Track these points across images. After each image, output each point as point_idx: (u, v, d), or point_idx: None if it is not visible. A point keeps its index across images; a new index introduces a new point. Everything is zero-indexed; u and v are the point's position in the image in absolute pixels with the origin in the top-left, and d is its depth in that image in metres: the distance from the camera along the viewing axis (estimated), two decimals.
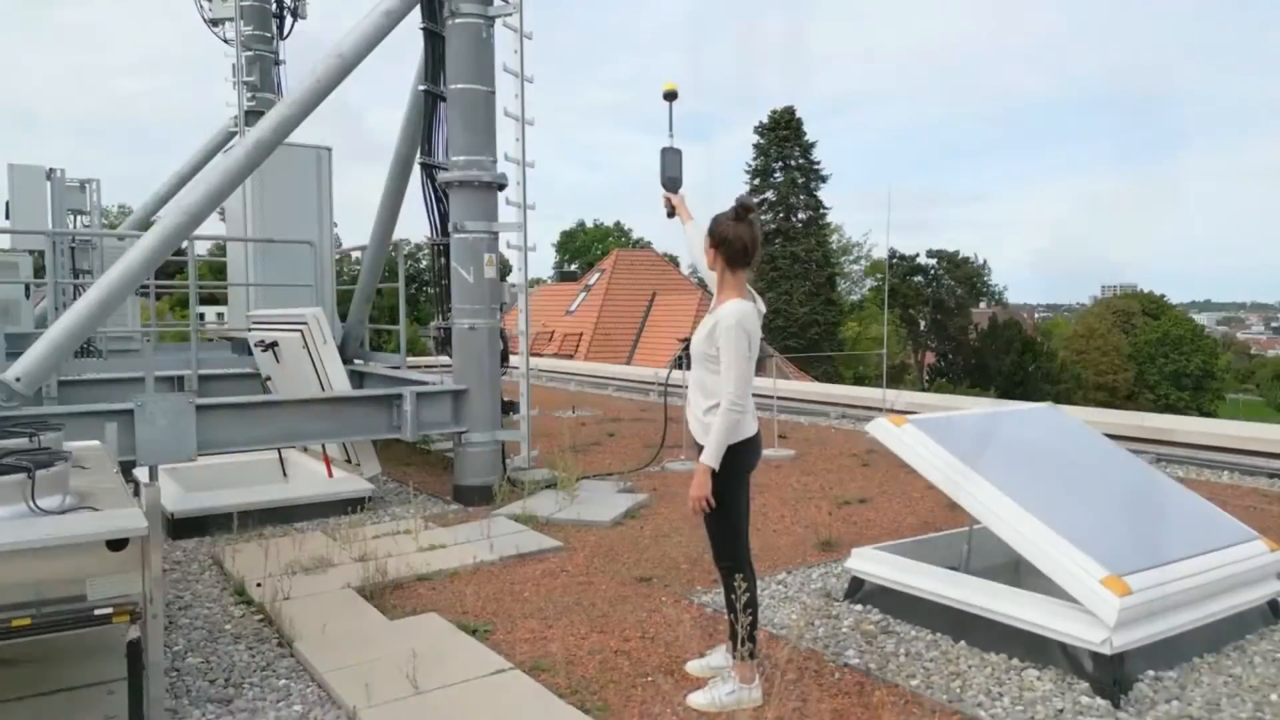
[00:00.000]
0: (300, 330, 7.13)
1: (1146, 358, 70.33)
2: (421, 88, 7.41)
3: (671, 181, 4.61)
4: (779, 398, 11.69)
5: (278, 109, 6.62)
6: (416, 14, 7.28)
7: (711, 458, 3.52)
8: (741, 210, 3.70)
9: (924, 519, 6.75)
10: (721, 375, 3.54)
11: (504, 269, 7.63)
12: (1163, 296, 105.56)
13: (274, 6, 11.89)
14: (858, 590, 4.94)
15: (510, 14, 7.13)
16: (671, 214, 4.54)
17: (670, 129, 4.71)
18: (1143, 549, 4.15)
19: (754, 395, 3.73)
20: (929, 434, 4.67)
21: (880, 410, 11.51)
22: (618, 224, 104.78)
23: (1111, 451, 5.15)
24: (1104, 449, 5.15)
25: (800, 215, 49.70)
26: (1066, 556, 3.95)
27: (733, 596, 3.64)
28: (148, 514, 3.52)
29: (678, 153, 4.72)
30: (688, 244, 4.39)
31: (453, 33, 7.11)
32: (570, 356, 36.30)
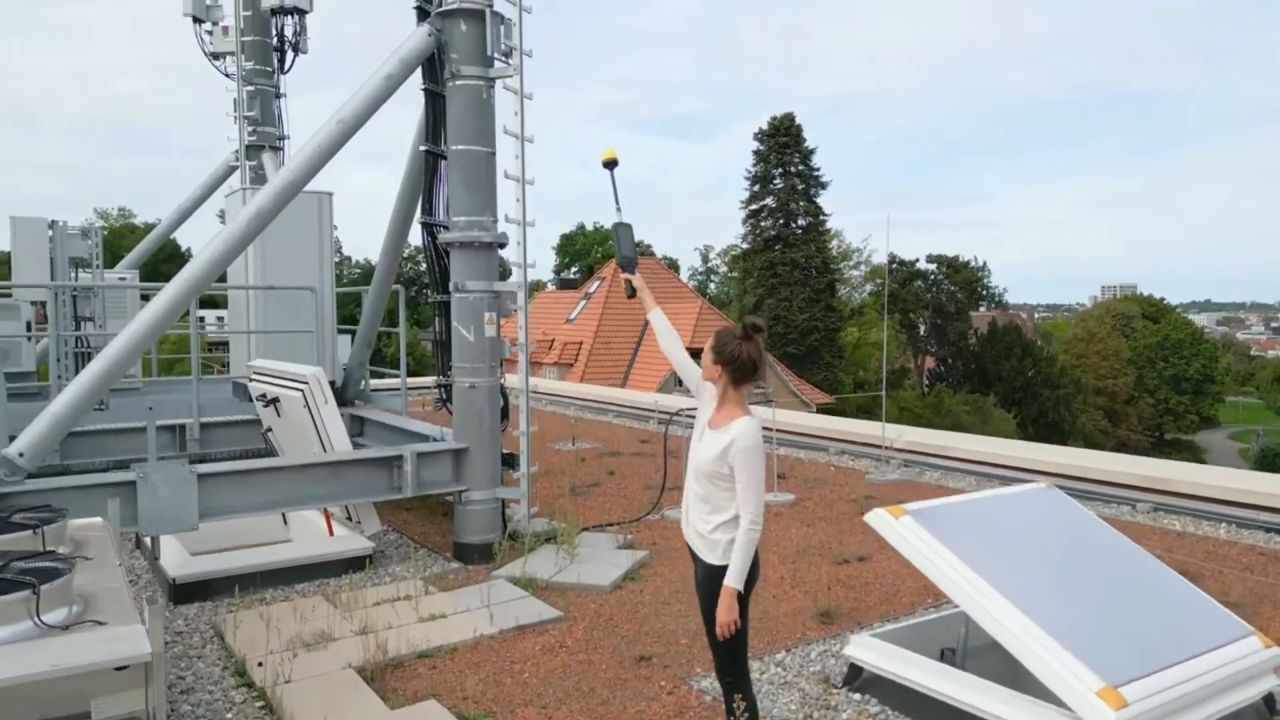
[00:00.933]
0: (301, 390, 7.16)
1: (1146, 361, 70.42)
2: (423, 148, 7.43)
3: (627, 261, 4.41)
4: (778, 430, 11.73)
5: (279, 177, 6.65)
6: (417, 75, 7.31)
7: (737, 579, 3.57)
8: (750, 329, 3.74)
9: (923, 580, 6.78)
10: (740, 495, 3.58)
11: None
12: (1162, 300, 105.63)
13: (275, 41, 11.91)
14: (856, 677, 4.98)
15: (510, 76, 7.15)
16: (632, 294, 4.43)
17: (616, 200, 4.50)
18: (1138, 653, 4.18)
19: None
20: (926, 527, 4.70)
21: (879, 447, 11.54)
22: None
23: (1107, 539, 5.18)
24: (1099, 537, 5.18)
25: (800, 221, 49.73)
26: (1063, 665, 3.98)
27: (732, 718, 3.67)
28: (151, 634, 3.55)
29: (628, 228, 4.50)
30: (655, 332, 4.36)
31: (454, 94, 7.14)
32: (570, 365, 36.36)
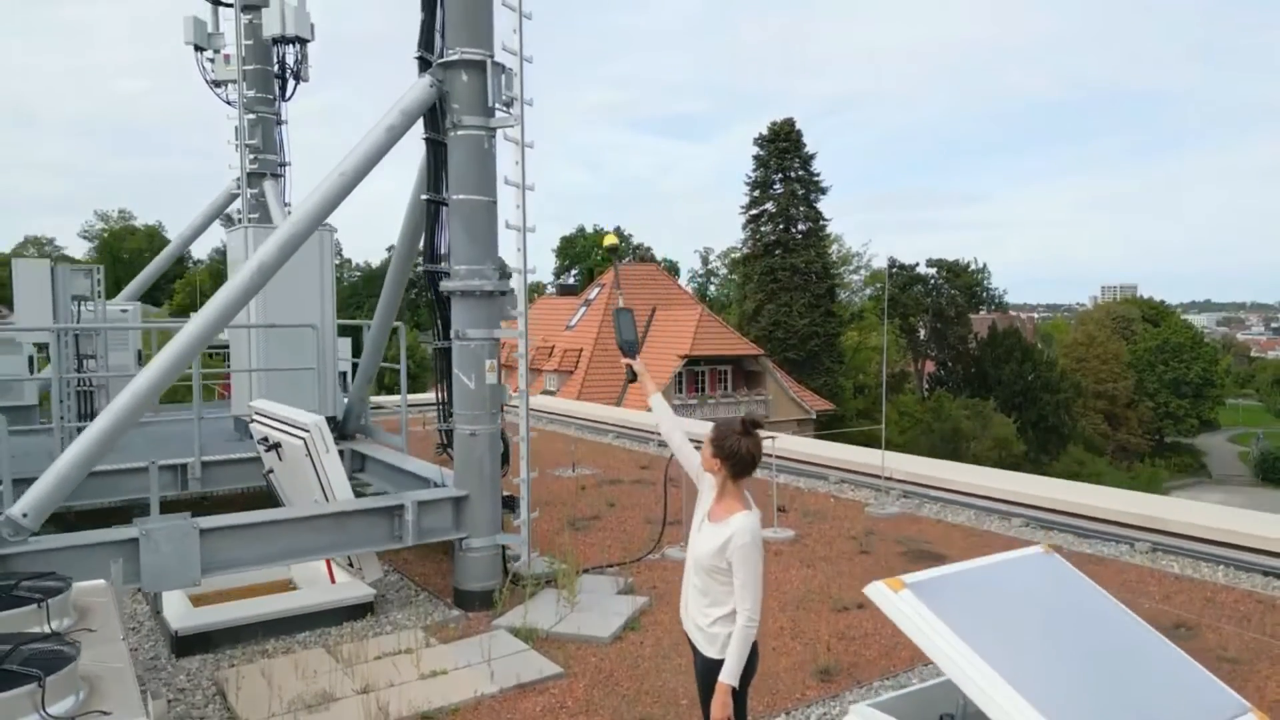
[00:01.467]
0: (303, 439, 7.19)
1: (1146, 365, 70.45)
2: (424, 197, 7.46)
3: (629, 345, 4.41)
4: (778, 457, 11.75)
5: (282, 230, 6.67)
6: (419, 124, 7.33)
7: (732, 676, 3.61)
8: (749, 425, 3.76)
9: None
10: (738, 592, 3.62)
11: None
12: (1162, 302, 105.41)
13: (276, 69, 11.93)
14: None
15: (511, 125, 7.18)
16: (633, 379, 4.43)
17: (617, 286, 4.49)
18: None
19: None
20: (924, 601, 4.72)
21: (879, 477, 11.57)
22: (618, 229, 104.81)
23: (1104, 609, 5.20)
24: (1096, 606, 5.20)
25: (800, 227, 49.77)
26: None
27: None
28: None
29: (629, 313, 4.51)
30: (655, 416, 4.36)
31: (455, 144, 7.16)
32: (570, 372, 36.40)
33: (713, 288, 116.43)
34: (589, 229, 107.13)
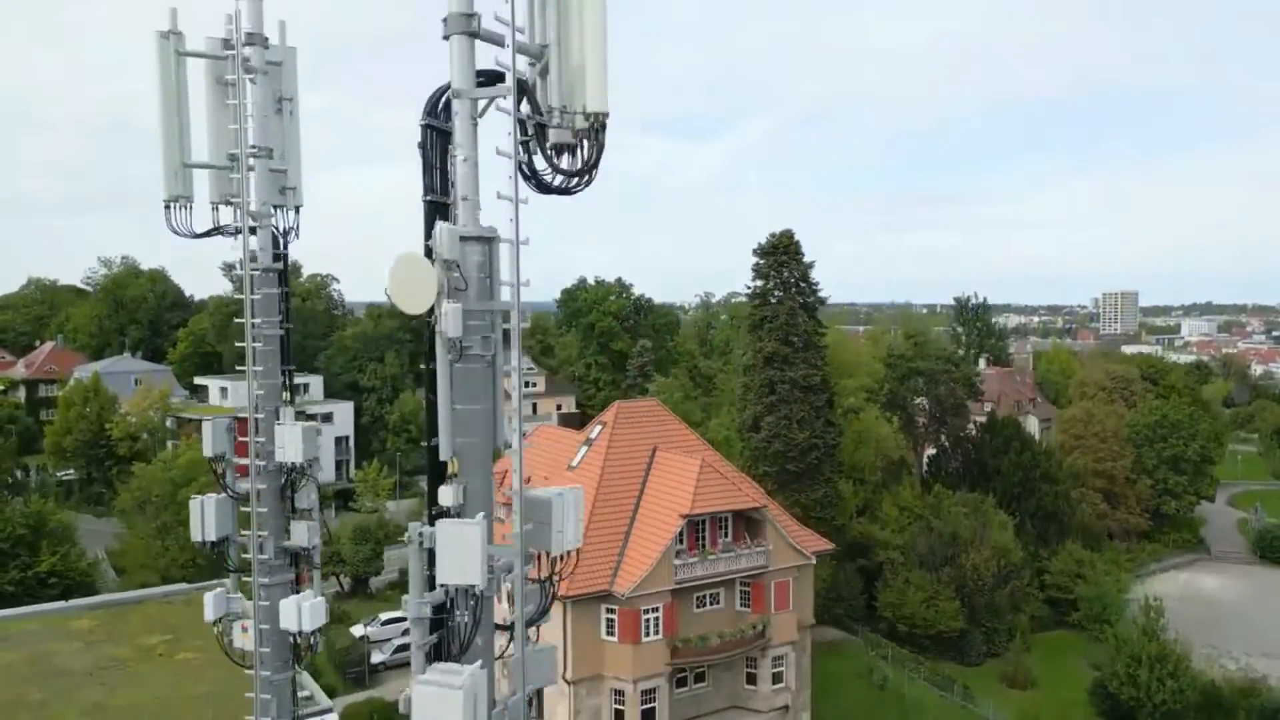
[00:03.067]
0: None
1: (1145, 440, 70.81)
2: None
3: None
4: None
5: None
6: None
7: None
8: None
9: None
10: None
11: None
12: (1162, 358, 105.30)
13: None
14: None
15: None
16: None
17: None
18: None
19: None
20: None
21: None
22: (619, 279, 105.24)
23: None
24: None
25: (798, 337, 50.16)
26: None
27: None
28: None
29: None
30: None
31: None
32: None
33: (713, 331, 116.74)
34: (590, 279, 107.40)
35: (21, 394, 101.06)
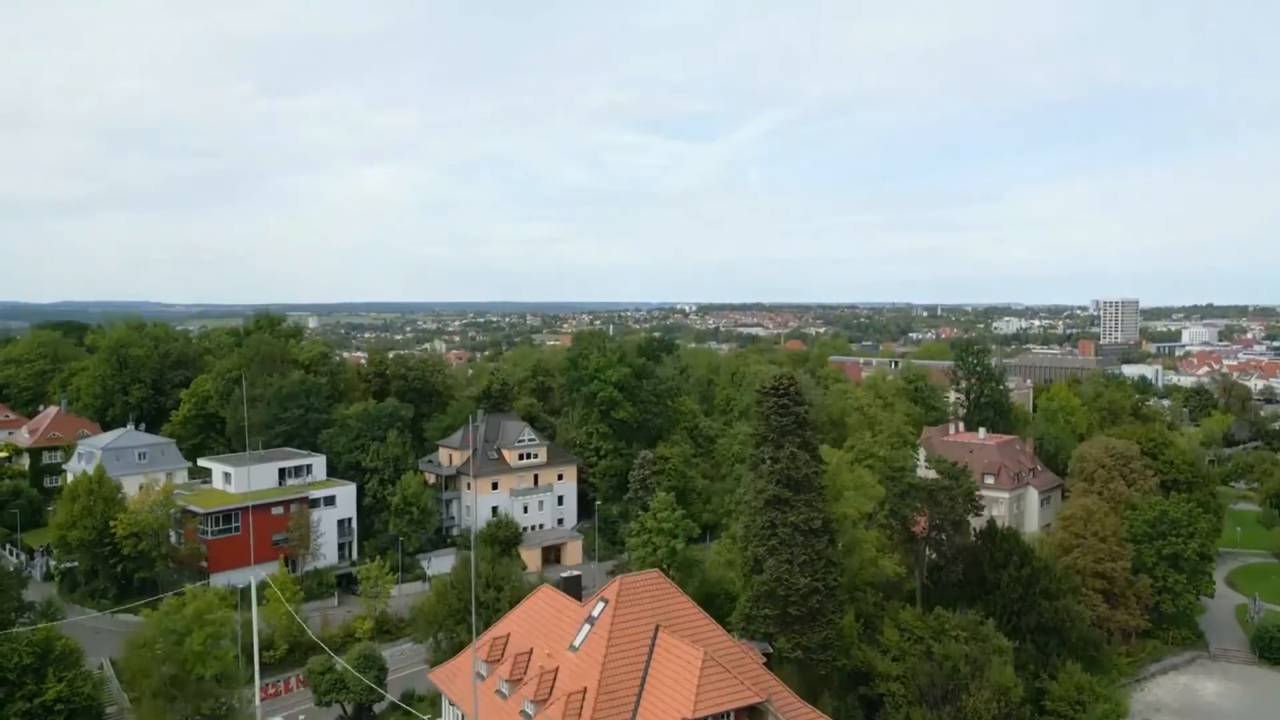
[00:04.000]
0: None
1: (1145, 537, 71.06)
2: None
3: None
4: None
5: None
6: None
7: None
8: None
9: None
10: None
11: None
12: (1166, 424, 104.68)
13: None
14: None
15: None
16: None
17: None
18: None
19: None
20: None
21: None
22: (621, 348, 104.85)
23: None
24: None
25: (799, 479, 50.37)
26: None
27: None
28: None
29: None
30: None
31: None
32: (577, 718, 37.12)
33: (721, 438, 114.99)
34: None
35: (26, 461, 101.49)
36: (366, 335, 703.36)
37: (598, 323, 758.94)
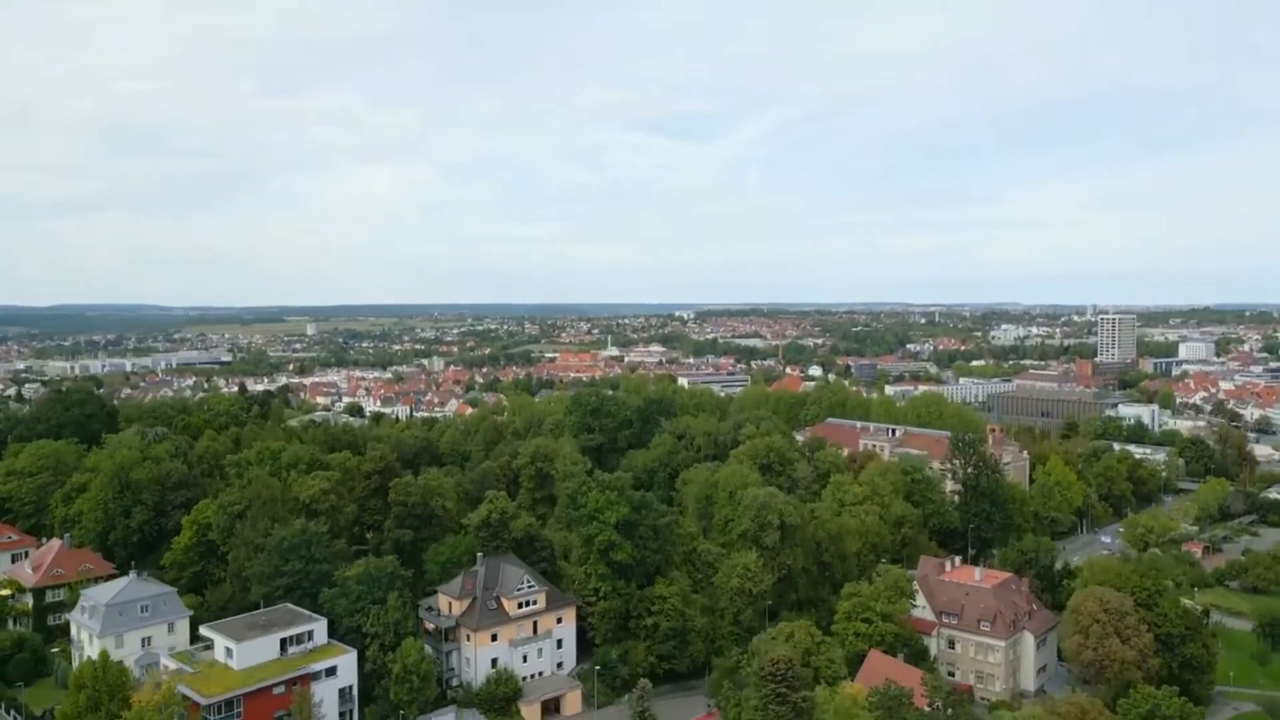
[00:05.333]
0: None
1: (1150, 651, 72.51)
2: None
3: None
4: None
5: None
6: None
7: None
8: None
9: None
10: None
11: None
12: (1159, 578, 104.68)
13: None
14: None
15: None
16: None
17: None
18: None
19: None
20: None
21: None
22: (623, 490, 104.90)
23: None
24: None
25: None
26: None
27: None
28: None
29: None
30: None
31: None
32: None
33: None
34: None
35: (29, 600, 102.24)
36: (365, 344, 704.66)
37: (595, 331, 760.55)
